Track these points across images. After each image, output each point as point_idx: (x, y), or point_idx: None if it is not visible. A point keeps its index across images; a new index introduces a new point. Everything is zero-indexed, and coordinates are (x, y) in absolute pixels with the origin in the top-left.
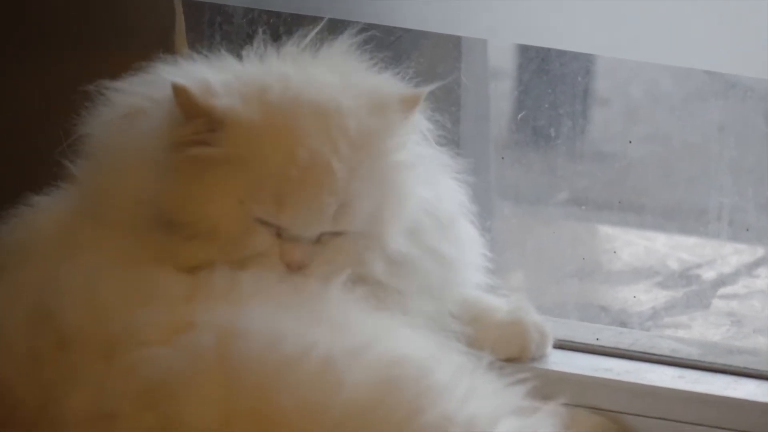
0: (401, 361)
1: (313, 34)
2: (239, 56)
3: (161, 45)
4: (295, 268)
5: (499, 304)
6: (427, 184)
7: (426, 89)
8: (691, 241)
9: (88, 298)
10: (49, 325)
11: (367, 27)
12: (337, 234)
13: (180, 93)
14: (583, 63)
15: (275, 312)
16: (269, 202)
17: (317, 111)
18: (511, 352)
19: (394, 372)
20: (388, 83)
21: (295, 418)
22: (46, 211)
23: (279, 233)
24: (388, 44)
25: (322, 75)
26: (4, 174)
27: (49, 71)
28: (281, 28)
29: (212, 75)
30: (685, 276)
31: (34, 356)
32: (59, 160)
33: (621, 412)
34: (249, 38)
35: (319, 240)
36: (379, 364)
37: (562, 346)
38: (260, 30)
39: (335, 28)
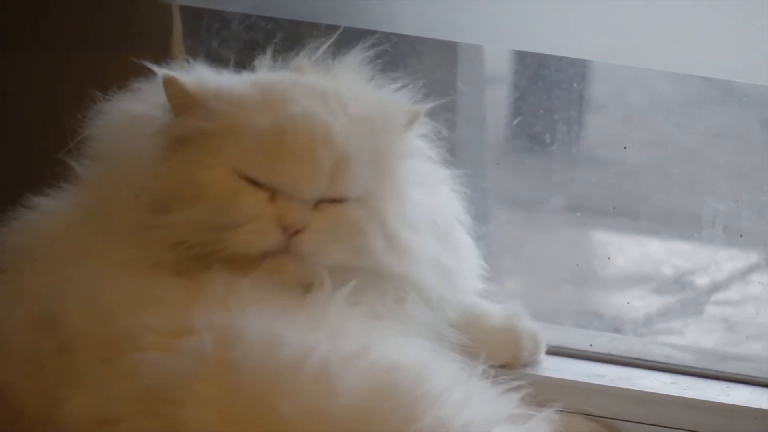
0: (397, 368)
1: (325, 47)
2: (243, 65)
3: (161, 49)
4: (291, 230)
5: (494, 310)
6: (426, 195)
7: (425, 105)
8: (685, 247)
9: (90, 304)
10: (51, 329)
11: (378, 41)
12: (335, 203)
13: (168, 82)
14: (579, 69)
15: (273, 317)
16: (262, 158)
17: (315, 89)
18: (504, 359)
19: (390, 378)
20: (393, 98)
21: (294, 423)
22: (48, 213)
23: (273, 197)
24: (382, 48)
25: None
26: (4, 175)
27: (52, 72)
28: (278, 33)
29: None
30: (679, 282)
31: (36, 361)
32: (63, 160)
33: (615, 419)
34: (246, 45)
35: (316, 208)
36: (375, 370)
37: (556, 352)
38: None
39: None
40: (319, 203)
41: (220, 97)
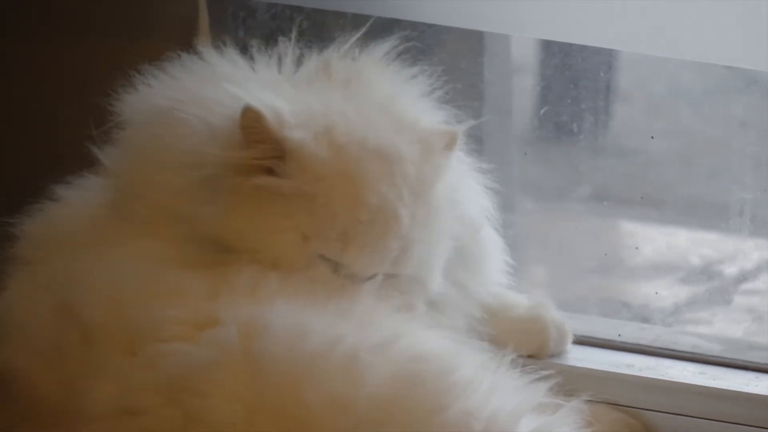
0: (425, 357)
1: (353, 40)
2: (268, 53)
3: (185, 37)
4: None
5: (520, 301)
6: (456, 197)
7: (462, 127)
8: (712, 236)
9: (112, 294)
10: (73, 320)
11: (408, 36)
12: (389, 276)
13: (251, 116)
14: (605, 58)
15: (300, 308)
16: (335, 241)
17: (382, 157)
18: (530, 349)
19: (417, 367)
20: (428, 116)
21: (320, 413)
22: (71, 204)
23: (337, 269)
24: (411, 39)
25: (375, 113)
26: (28, 166)
27: (77, 60)
28: (304, 22)
29: (279, 101)
30: (707, 272)
31: (58, 351)
32: (86, 148)
33: (642, 408)
34: (272, 33)
35: (372, 277)
36: (402, 360)
37: (583, 341)
38: (292, 33)
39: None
40: (376, 274)
41: (296, 154)
